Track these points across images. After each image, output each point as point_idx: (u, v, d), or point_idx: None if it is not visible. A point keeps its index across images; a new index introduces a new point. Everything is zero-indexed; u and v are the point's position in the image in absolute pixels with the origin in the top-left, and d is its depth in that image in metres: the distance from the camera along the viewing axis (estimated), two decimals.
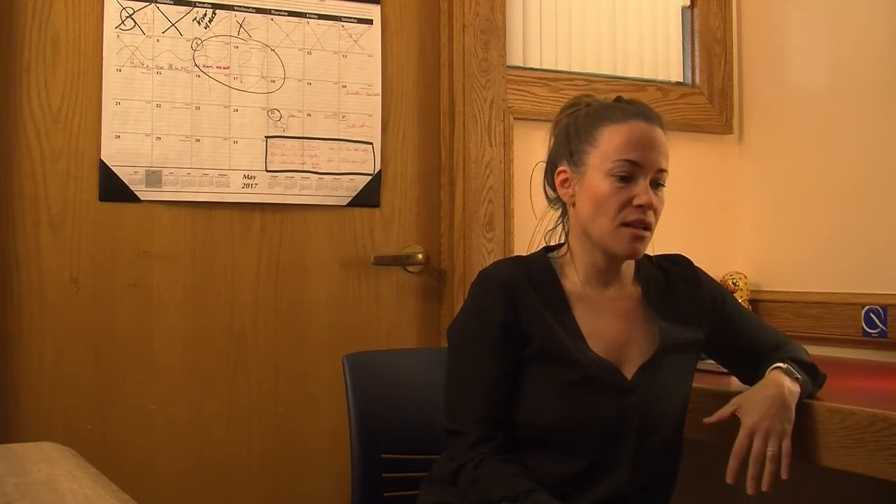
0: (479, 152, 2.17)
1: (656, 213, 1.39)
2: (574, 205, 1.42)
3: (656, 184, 1.39)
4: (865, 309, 2.10)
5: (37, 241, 1.88)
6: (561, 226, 1.48)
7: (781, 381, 1.38)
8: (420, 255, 2.17)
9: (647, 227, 1.37)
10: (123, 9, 1.94)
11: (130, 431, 1.93)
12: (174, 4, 1.98)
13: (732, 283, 2.37)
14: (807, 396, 1.41)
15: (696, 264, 1.55)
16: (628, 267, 1.46)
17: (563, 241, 1.48)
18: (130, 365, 1.94)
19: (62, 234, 1.90)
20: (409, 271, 2.20)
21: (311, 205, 2.10)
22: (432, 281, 2.21)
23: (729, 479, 1.37)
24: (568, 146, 1.43)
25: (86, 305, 1.91)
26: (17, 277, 1.86)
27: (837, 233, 2.23)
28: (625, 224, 1.36)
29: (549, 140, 1.49)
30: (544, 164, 1.50)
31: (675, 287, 1.49)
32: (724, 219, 2.51)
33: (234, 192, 2.03)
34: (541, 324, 1.38)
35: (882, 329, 2.07)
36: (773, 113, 2.44)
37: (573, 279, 1.43)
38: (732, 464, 1.37)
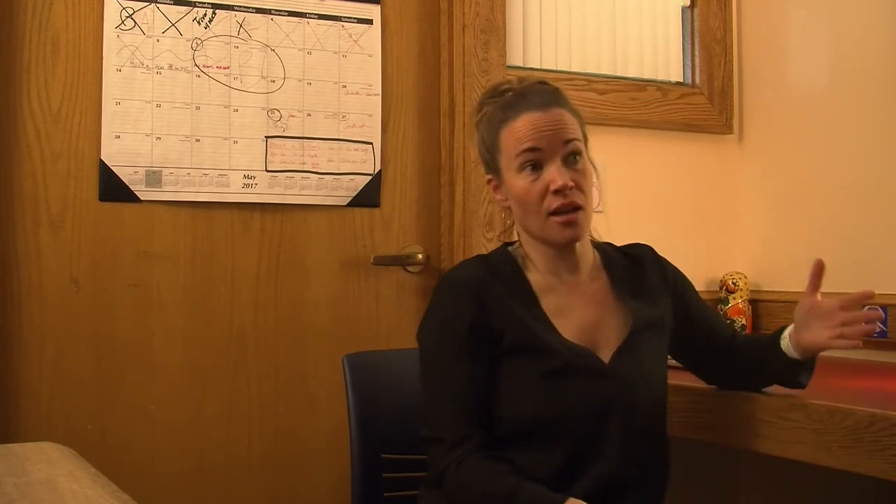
0: None
1: (581, 187, 1.37)
2: (509, 208, 1.45)
3: (573, 158, 1.37)
4: (865, 309, 2.09)
5: (37, 241, 1.88)
6: (513, 228, 1.50)
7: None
8: (420, 255, 2.17)
9: (576, 208, 1.36)
10: (123, 9, 1.94)
11: (130, 431, 1.93)
12: (174, 4, 1.98)
13: (732, 282, 2.37)
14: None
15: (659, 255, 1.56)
16: (586, 249, 1.46)
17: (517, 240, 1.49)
18: (130, 365, 1.94)
19: (62, 234, 1.90)
20: (409, 271, 2.20)
21: (311, 205, 2.10)
22: (432, 281, 2.21)
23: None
24: (484, 157, 1.47)
25: (86, 305, 1.91)
26: (17, 277, 1.86)
27: (837, 233, 2.23)
28: (552, 213, 1.36)
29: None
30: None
31: (641, 268, 1.51)
32: (724, 219, 2.51)
33: (234, 192, 2.03)
34: (511, 317, 1.37)
35: (882, 329, 2.06)
36: (773, 113, 2.44)
37: (535, 270, 1.44)
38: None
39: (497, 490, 1.29)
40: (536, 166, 1.37)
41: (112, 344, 1.92)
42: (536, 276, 1.43)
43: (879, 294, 2.09)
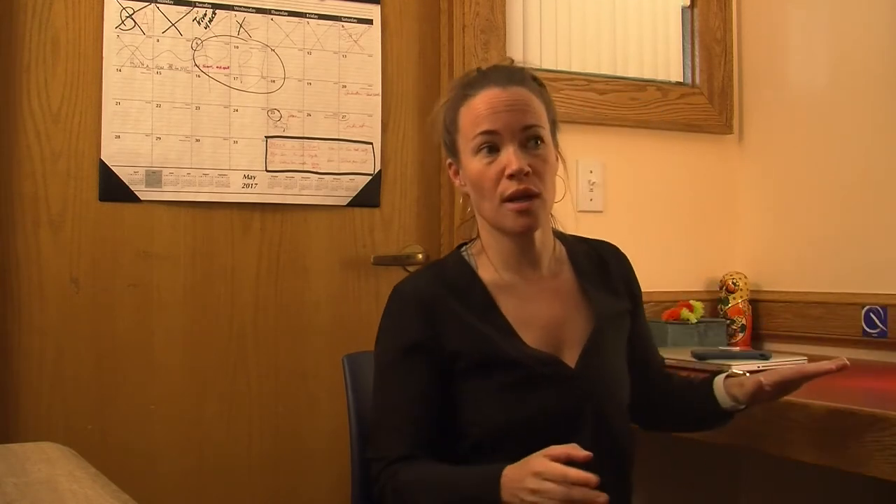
0: None
1: (540, 174, 1.30)
2: (468, 194, 1.39)
3: (533, 143, 1.31)
4: (865, 309, 2.10)
5: (37, 241, 1.88)
6: (474, 217, 1.43)
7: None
8: (420, 255, 2.17)
9: (531, 195, 1.29)
10: (123, 9, 1.94)
11: (130, 431, 1.93)
12: (174, 4, 1.98)
13: (732, 282, 2.37)
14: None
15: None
16: (546, 242, 1.40)
17: (476, 237, 1.44)
18: (130, 365, 1.94)
19: (62, 234, 1.90)
20: (409, 271, 2.20)
21: (311, 205, 2.10)
22: None
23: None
24: (444, 140, 1.41)
25: (86, 305, 1.91)
26: (17, 277, 1.86)
27: (837, 233, 2.23)
28: (506, 200, 1.30)
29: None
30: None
31: (605, 262, 1.46)
32: (724, 219, 2.51)
33: (234, 192, 2.03)
34: (466, 333, 1.31)
35: (882, 329, 2.07)
36: (773, 113, 2.44)
37: (491, 270, 1.38)
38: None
39: (437, 480, 1.25)
40: (493, 149, 1.31)
41: (112, 344, 1.92)
42: (494, 276, 1.37)
43: (879, 294, 2.10)
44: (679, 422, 1.54)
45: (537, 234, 1.37)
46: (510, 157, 1.29)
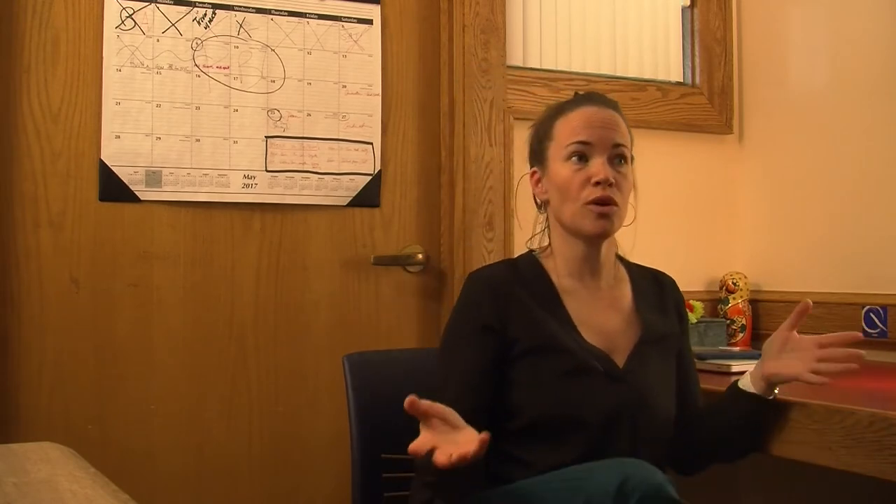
0: (479, 152, 2.17)
1: (620, 188, 1.43)
2: (548, 201, 1.49)
3: (618, 160, 1.44)
4: (865, 309, 2.10)
5: (37, 241, 1.88)
6: (544, 231, 1.54)
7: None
8: (420, 255, 2.17)
9: (612, 203, 1.41)
10: (123, 9, 1.94)
11: (130, 431, 1.93)
12: (174, 4, 1.98)
13: (732, 282, 2.37)
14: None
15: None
16: (610, 254, 1.51)
17: (546, 245, 1.54)
18: (130, 365, 1.94)
19: (62, 234, 1.90)
20: (409, 271, 2.20)
21: (311, 205, 2.10)
22: (432, 281, 2.21)
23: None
24: (533, 149, 1.52)
25: (86, 305, 1.91)
26: (17, 277, 1.86)
27: (838, 233, 2.23)
28: (588, 203, 1.41)
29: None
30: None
31: (661, 287, 1.57)
32: (724, 219, 2.51)
33: (234, 192, 2.03)
34: (530, 319, 1.41)
35: (882, 329, 2.07)
36: (773, 113, 2.44)
37: (559, 274, 1.48)
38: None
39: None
40: (583, 158, 1.43)
41: (112, 344, 1.92)
42: (560, 280, 1.47)
43: (879, 294, 2.10)
44: (711, 443, 1.52)
45: (604, 245, 1.48)
46: (599, 166, 1.41)
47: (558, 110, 1.49)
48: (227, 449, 2.01)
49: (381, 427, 1.65)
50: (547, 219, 1.54)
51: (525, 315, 1.41)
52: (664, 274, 1.62)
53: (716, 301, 2.40)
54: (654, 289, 1.55)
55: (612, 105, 1.49)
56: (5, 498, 0.82)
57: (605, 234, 1.44)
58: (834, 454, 1.37)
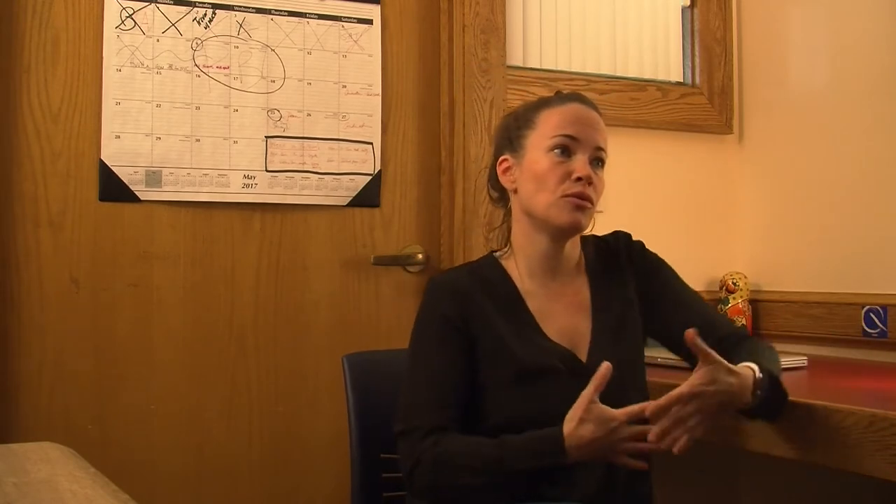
0: (479, 152, 2.17)
1: (596, 190, 1.42)
2: (516, 191, 1.46)
3: (597, 163, 1.43)
4: (865, 309, 2.10)
5: (37, 241, 1.88)
6: (505, 224, 1.53)
7: (745, 385, 1.31)
8: (420, 255, 2.17)
9: (588, 200, 1.40)
10: (123, 9, 1.94)
11: (130, 431, 1.93)
12: (174, 4, 1.98)
13: (732, 282, 2.37)
14: (748, 413, 1.35)
15: (636, 241, 1.57)
16: (573, 252, 1.49)
17: (506, 246, 1.52)
18: (130, 365, 1.94)
19: (62, 234, 1.90)
20: (409, 271, 2.20)
21: (311, 205, 2.10)
22: None
23: (648, 412, 1.27)
24: (507, 137, 1.49)
25: (86, 305, 1.91)
26: (17, 277, 1.86)
27: (838, 233, 2.23)
28: (566, 196, 1.39)
29: (491, 146, 1.56)
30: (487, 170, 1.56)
31: (612, 254, 1.53)
32: (724, 219, 2.51)
33: (234, 192, 2.03)
34: (491, 323, 1.40)
35: (882, 329, 2.07)
36: (773, 113, 2.44)
37: (518, 275, 1.47)
38: (662, 402, 1.27)
39: (484, 452, 1.30)
40: (566, 152, 1.41)
41: (112, 343, 1.92)
42: (521, 281, 1.46)
43: (879, 294, 2.10)
44: None
45: (568, 244, 1.46)
46: (582, 163, 1.40)
47: (543, 102, 1.48)
48: (227, 449, 2.01)
49: (381, 427, 1.65)
50: (506, 214, 1.52)
51: (485, 319, 1.40)
52: (616, 236, 1.56)
53: (716, 301, 2.40)
54: (606, 262, 1.51)
55: (597, 109, 1.48)
56: (5, 498, 0.82)
57: (578, 228, 1.42)
58: (834, 454, 1.37)
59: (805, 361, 1.92)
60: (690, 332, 1.26)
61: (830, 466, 1.38)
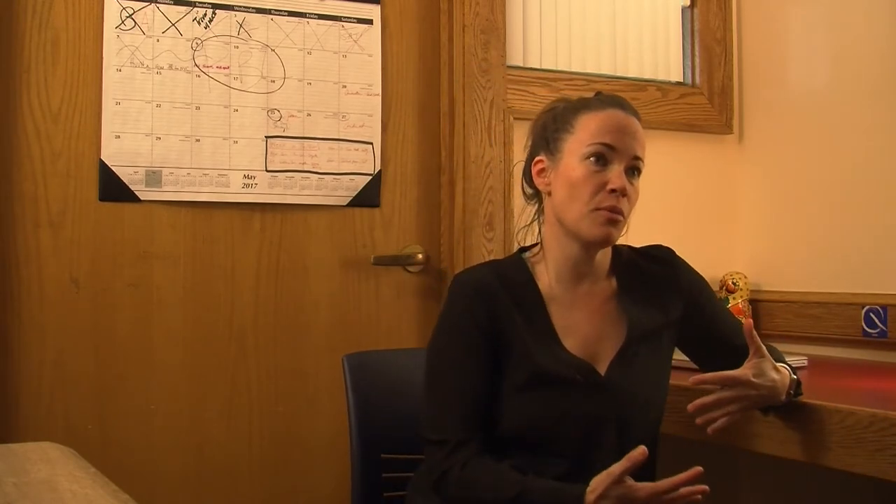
0: (479, 152, 2.17)
1: (630, 201, 1.39)
2: (549, 193, 1.42)
3: (633, 172, 1.40)
4: (865, 309, 2.10)
5: (37, 241, 1.88)
6: (536, 222, 1.49)
7: (784, 384, 1.38)
8: (420, 255, 2.17)
9: (619, 213, 1.37)
10: (123, 9, 1.94)
11: (130, 431, 1.93)
12: (174, 4, 1.98)
13: (732, 282, 2.37)
14: (761, 408, 1.42)
15: (680, 257, 1.54)
16: (604, 259, 1.45)
17: (537, 241, 1.48)
18: (130, 365, 1.94)
19: (62, 234, 1.90)
20: (409, 271, 2.20)
21: (311, 205, 2.10)
22: (432, 281, 2.21)
23: (691, 381, 1.33)
24: (545, 136, 1.45)
25: (86, 305, 1.91)
26: (17, 277, 1.86)
27: (837, 233, 2.23)
28: (599, 209, 1.36)
29: (528, 139, 1.50)
30: (523, 163, 1.51)
31: (650, 273, 1.49)
32: (724, 219, 2.51)
33: (234, 192, 2.03)
34: (514, 326, 1.38)
35: (882, 329, 2.07)
36: (773, 113, 2.44)
37: (545, 278, 1.43)
38: (711, 378, 1.34)
39: (505, 488, 1.29)
40: (602, 161, 1.37)
41: (112, 344, 1.92)
42: (544, 285, 1.43)
43: (879, 294, 2.10)
44: None
45: (599, 253, 1.43)
46: (617, 175, 1.36)
47: (583, 104, 1.42)
48: (227, 449, 2.01)
49: (381, 427, 1.65)
50: (538, 211, 1.48)
51: (508, 321, 1.38)
52: (657, 250, 1.53)
53: None
54: (643, 276, 1.48)
55: (636, 114, 1.44)
56: (5, 498, 0.82)
57: (608, 242, 1.39)
58: (834, 454, 1.37)
59: (805, 361, 1.92)
60: (748, 324, 1.35)
61: (830, 466, 1.38)
